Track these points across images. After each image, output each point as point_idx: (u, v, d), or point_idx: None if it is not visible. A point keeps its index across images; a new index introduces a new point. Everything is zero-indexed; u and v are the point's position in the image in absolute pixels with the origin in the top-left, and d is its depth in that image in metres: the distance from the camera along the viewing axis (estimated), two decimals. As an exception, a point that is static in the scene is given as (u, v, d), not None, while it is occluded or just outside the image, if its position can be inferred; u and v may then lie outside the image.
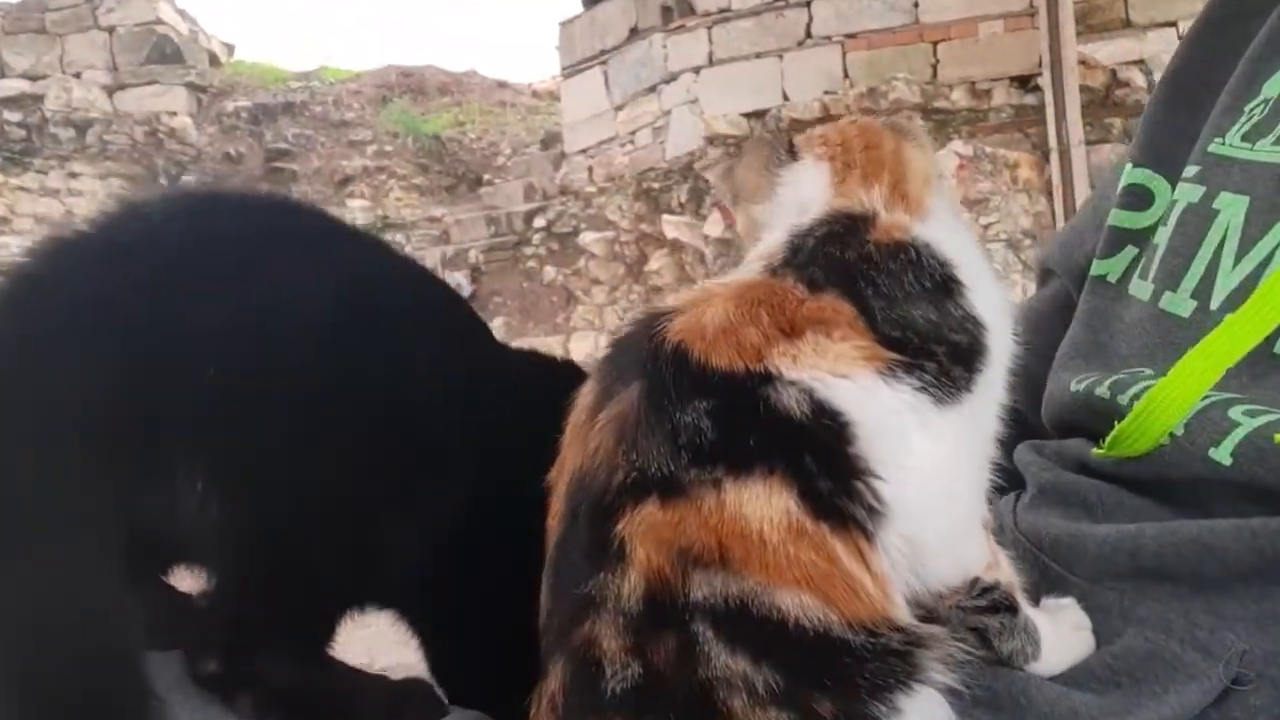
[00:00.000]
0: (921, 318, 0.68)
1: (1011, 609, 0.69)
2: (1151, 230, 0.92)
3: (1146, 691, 0.66)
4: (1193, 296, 0.82)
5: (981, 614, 0.69)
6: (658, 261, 6.99)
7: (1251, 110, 0.86)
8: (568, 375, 0.97)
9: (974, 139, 6.43)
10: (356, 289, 0.79)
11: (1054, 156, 6.27)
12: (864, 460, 0.63)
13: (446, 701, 0.80)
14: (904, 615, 0.63)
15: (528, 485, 0.74)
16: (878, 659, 0.60)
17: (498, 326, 7.33)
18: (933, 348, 0.67)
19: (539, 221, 7.94)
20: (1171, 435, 0.74)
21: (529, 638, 0.88)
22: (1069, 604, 0.73)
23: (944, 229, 0.74)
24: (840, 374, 0.64)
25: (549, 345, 7.05)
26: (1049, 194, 6.28)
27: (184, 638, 0.74)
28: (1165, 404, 0.73)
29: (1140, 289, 0.89)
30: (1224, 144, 0.86)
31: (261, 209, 0.84)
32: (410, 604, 0.86)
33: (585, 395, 0.69)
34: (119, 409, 0.66)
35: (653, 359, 0.65)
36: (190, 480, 0.69)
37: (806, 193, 0.77)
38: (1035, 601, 0.74)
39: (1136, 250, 0.93)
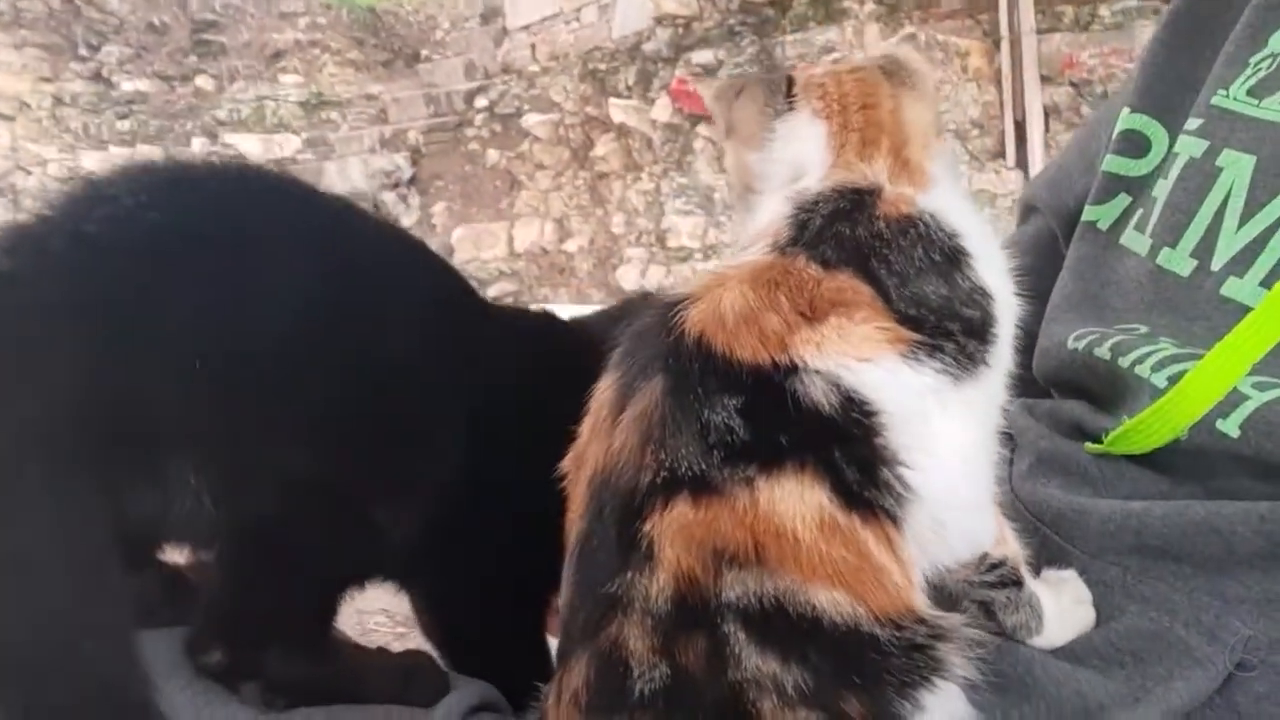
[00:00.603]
0: (934, 293, 0.67)
1: (1017, 583, 0.70)
2: (1148, 179, 0.90)
3: (1151, 674, 0.66)
4: (1193, 255, 0.80)
5: (988, 588, 0.70)
6: (604, 146, 6.85)
7: (1258, 63, 0.84)
8: (554, 333, 0.95)
9: (925, 25, 6.33)
10: (339, 267, 0.76)
11: (1004, 45, 6.20)
12: (891, 450, 0.62)
13: (448, 670, 0.80)
14: (925, 604, 0.64)
15: (525, 450, 0.73)
16: (904, 654, 0.60)
17: (439, 212, 7.19)
18: (948, 325, 0.66)
19: (480, 101, 7.71)
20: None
21: (531, 609, 0.87)
22: (1070, 577, 0.73)
23: (947, 195, 0.73)
24: (864, 358, 0.63)
25: (493, 232, 6.94)
26: (998, 83, 6.23)
27: (180, 614, 0.73)
28: (1183, 404, 0.72)
29: (1136, 241, 0.87)
30: (1228, 97, 0.84)
31: (234, 184, 0.78)
32: (411, 576, 0.84)
33: (604, 390, 0.67)
34: (104, 409, 0.63)
35: (675, 353, 0.63)
36: (182, 475, 0.66)
37: (804, 152, 0.76)
38: (1036, 572, 0.74)
39: (1130, 199, 0.91)
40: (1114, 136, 0.94)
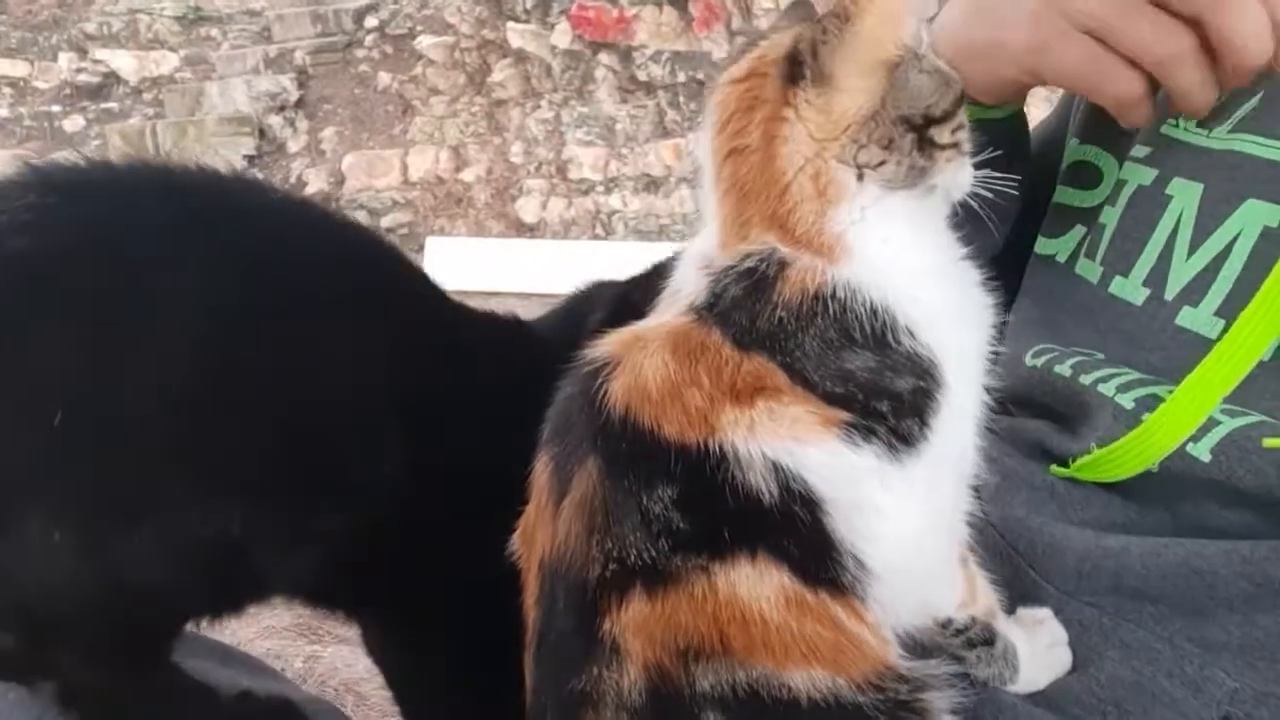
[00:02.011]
0: (860, 368, 0.61)
1: (988, 641, 0.67)
2: (1098, 207, 0.89)
3: None
4: (1145, 284, 0.80)
5: (956, 648, 0.68)
6: (501, 72, 6.64)
7: None
8: (520, 342, 0.91)
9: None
10: (251, 278, 0.71)
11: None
12: (840, 535, 0.60)
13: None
14: (900, 658, 0.62)
15: (485, 470, 0.72)
16: (889, 715, 0.59)
17: (329, 137, 6.89)
18: (877, 405, 0.61)
19: (371, 21, 7.36)
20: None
21: (493, 659, 0.82)
22: (1046, 617, 0.72)
23: (871, 255, 0.63)
24: (801, 439, 0.60)
25: (385, 159, 6.70)
26: None
27: None
28: (1154, 436, 0.70)
29: (1087, 269, 0.87)
30: (1177, 127, 0.83)
31: (138, 190, 0.73)
32: (362, 607, 0.84)
33: (540, 472, 0.64)
34: None
35: (603, 433, 0.60)
36: (45, 533, 0.63)
37: (706, 189, 0.68)
38: (1012, 607, 0.72)
39: (1085, 229, 0.90)
40: (1064, 168, 0.92)
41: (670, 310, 0.66)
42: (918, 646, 0.65)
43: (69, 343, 0.63)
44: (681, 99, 6.16)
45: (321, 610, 0.82)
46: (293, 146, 6.91)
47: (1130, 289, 0.81)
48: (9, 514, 0.63)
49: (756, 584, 0.57)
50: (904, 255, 0.64)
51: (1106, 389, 0.77)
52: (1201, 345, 0.73)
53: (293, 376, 0.71)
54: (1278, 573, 0.64)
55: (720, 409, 0.59)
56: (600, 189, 6.22)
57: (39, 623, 0.66)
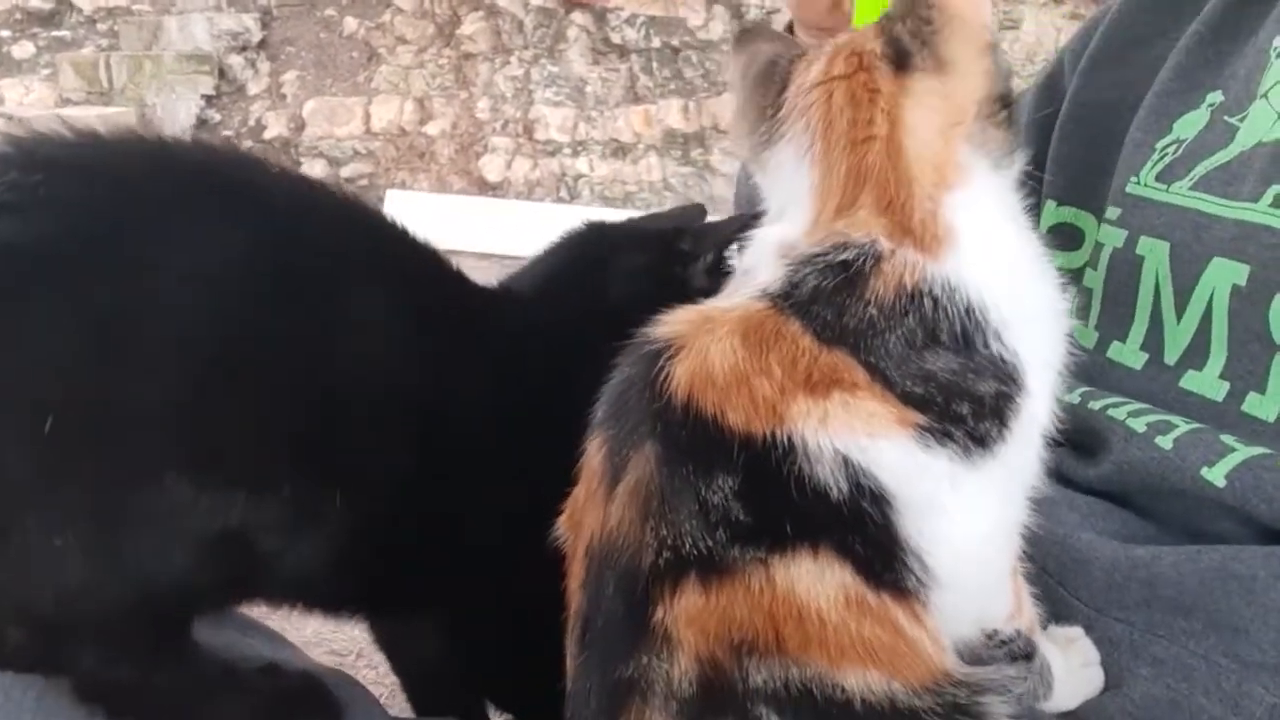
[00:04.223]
0: (943, 369, 0.60)
1: (1028, 656, 0.67)
2: (1081, 270, 0.90)
3: None
4: (1143, 349, 0.81)
5: (999, 660, 0.68)
6: (472, 25, 6.51)
7: (1164, 149, 0.85)
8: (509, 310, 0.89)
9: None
10: (254, 260, 0.68)
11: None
12: (908, 534, 0.59)
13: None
14: (958, 664, 0.61)
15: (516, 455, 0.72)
16: (947, 718, 0.58)
17: (290, 81, 6.73)
18: (957, 408, 0.60)
19: (338, -36, 7.19)
20: (1159, 449, 0.72)
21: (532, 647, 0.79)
22: (1078, 636, 0.72)
23: (976, 248, 0.62)
24: (875, 434, 0.58)
25: (348, 107, 6.56)
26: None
27: None
28: None
29: (1083, 335, 0.88)
30: (1139, 184, 0.85)
31: (139, 175, 0.68)
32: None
33: (593, 454, 0.62)
34: None
35: (663, 418, 0.58)
36: (45, 537, 0.61)
37: (790, 194, 0.66)
38: (1042, 623, 0.72)
39: (1075, 290, 0.91)
40: (1043, 230, 0.94)
41: (741, 293, 0.63)
42: (963, 657, 0.64)
43: (62, 340, 0.60)
44: (655, 65, 6.09)
45: (338, 614, 0.79)
46: (253, 89, 6.74)
47: (1129, 354, 0.82)
48: (8, 519, 0.60)
49: (817, 580, 0.56)
50: (1007, 245, 0.64)
51: (1116, 414, 0.77)
52: (1209, 408, 0.74)
53: (298, 360, 0.68)
54: None
55: (792, 399, 0.57)
56: (567, 151, 6.14)
57: (51, 624, 0.64)
